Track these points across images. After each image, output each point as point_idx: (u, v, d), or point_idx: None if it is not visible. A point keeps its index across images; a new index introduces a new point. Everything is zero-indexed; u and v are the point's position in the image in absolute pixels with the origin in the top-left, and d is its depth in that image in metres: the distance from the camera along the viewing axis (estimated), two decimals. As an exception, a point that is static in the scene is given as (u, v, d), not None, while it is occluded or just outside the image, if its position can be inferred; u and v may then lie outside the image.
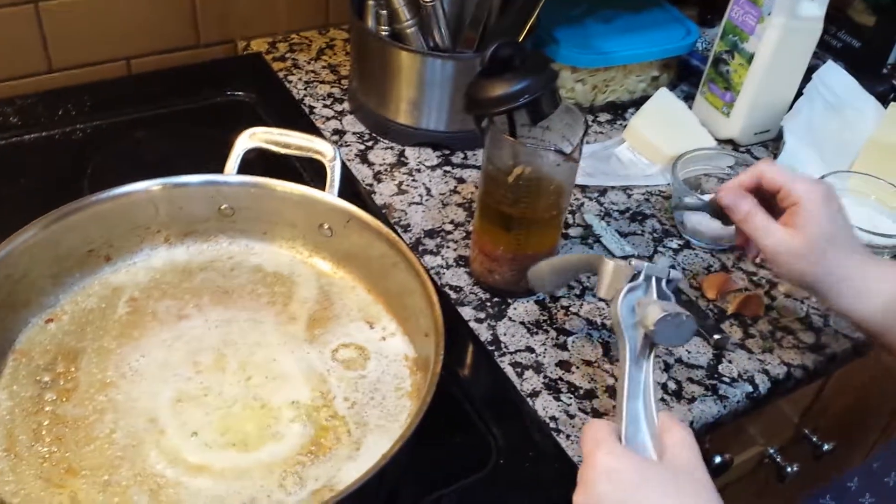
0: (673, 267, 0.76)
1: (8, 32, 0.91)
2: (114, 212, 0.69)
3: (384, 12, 0.87)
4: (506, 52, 0.67)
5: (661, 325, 0.56)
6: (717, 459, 0.80)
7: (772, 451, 0.96)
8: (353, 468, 0.61)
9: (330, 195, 0.73)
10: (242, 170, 0.74)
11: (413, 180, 0.89)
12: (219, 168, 0.74)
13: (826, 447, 0.99)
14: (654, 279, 0.61)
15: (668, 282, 0.61)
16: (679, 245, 0.85)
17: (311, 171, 0.83)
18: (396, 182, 0.89)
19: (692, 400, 0.70)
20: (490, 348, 0.73)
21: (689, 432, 0.54)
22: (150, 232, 0.73)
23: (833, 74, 0.98)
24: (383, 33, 0.88)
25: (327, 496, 0.57)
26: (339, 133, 0.94)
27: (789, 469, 0.95)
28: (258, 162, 0.75)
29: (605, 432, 0.53)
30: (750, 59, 0.92)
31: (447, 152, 0.93)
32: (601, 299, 0.75)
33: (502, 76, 0.67)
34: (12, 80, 0.94)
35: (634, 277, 0.61)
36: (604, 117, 1.02)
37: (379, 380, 0.67)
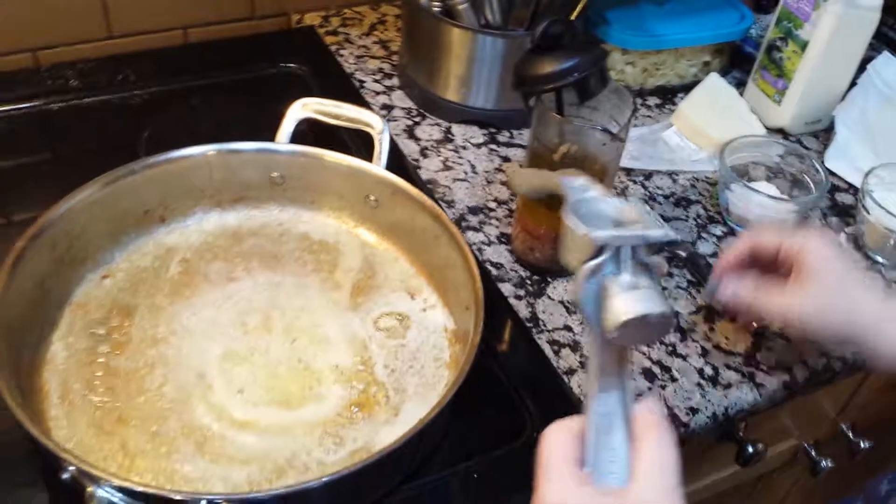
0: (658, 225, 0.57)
1: (71, -1, 0.93)
2: (170, 174, 0.72)
3: (437, -12, 0.87)
4: (556, 30, 0.67)
5: (624, 330, 0.44)
6: (750, 449, 0.80)
7: (807, 445, 0.96)
8: (391, 432, 0.62)
9: (377, 167, 0.74)
10: (294, 140, 0.76)
11: (459, 157, 0.90)
12: (271, 137, 0.76)
13: (863, 445, 0.98)
14: (625, 249, 0.46)
15: (648, 246, 0.47)
16: (723, 232, 0.85)
17: (358, 144, 0.85)
18: (442, 158, 0.90)
19: (728, 386, 0.70)
20: (528, 325, 0.74)
21: (667, 442, 0.45)
22: (204, 196, 0.75)
23: (889, 66, 0.96)
24: (435, 10, 0.89)
25: (365, 457, 0.59)
26: (388, 108, 0.95)
27: (823, 464, 0.94)
28: (309, 133, 0.77)
29: (561, 455, 0.45)
30: (804, 46, 0.91)
31: (493, 131, 0.94)
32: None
33: (552, 54, 0.68)
34: (73, 44, 0.96)
35: (599, 251, 0.46)
36: (653, 101, 1.02)
37: (418, 349, 0.69)
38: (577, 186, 0.50)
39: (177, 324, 0.68)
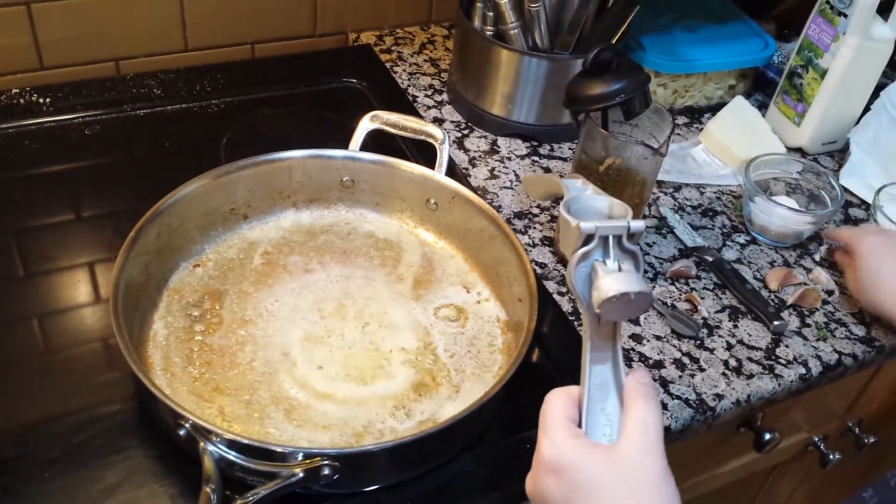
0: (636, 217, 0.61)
1: (154, 13, 1.02)
2: (257, 176, 0.80)
3: (491, 14, 0.96)
4: (606, 56, 0.76)
5: (608, 306, 0.51)
6: (767, 436, 0.88)
7: (816, 439, 1.04)
8: (453, 407, 0.71)
9: (440, 174, 0.83)
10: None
11: (504, 167, 0.99)
12: (334, 145, 0.84)
13: (868, 440, 1.06)
14: (611, 238, 0.52)
15: (631, 236, 0.53)
16: (746, 241, 0.93)
17: (414, 153, 0.94)
18: (489, 168, 0.98)
19: (750, 376, 0.79)
20: (570, 318, 0.82)
21: (652, 407, 0.51)
22: (282, 196, 0.84)
23: (901, 93, 1.04)
24: (488, 33, 0.98)
25: (432, 426, 0.68)
26: (439, 121, 1.04)
27: (832, 456, 1.02)
28: (370, 142, 0.86)
29: (559, 413, 0.51)
30: (823, 74, 0.99)
31: (535, 144, 1.03)
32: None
33: (601, 77, 0.76)
34: (152, 55, 1.05)
35: (588, 239, 0.52)
36: (681, 120, 1.10)
37: (475, 336, 0.77)
38: (576, 186, 0.57)
39: (262, 308, 0.76)
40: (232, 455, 0.60)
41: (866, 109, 1.04)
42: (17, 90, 0.97)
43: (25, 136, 0.93)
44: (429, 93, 1.08)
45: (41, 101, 0.96)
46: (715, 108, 1.08)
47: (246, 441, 0.60)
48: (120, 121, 0.96)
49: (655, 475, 0.49)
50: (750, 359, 0.80)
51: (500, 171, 0.98)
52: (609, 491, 0.49)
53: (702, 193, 0.99)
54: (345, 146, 0.84)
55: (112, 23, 1.01)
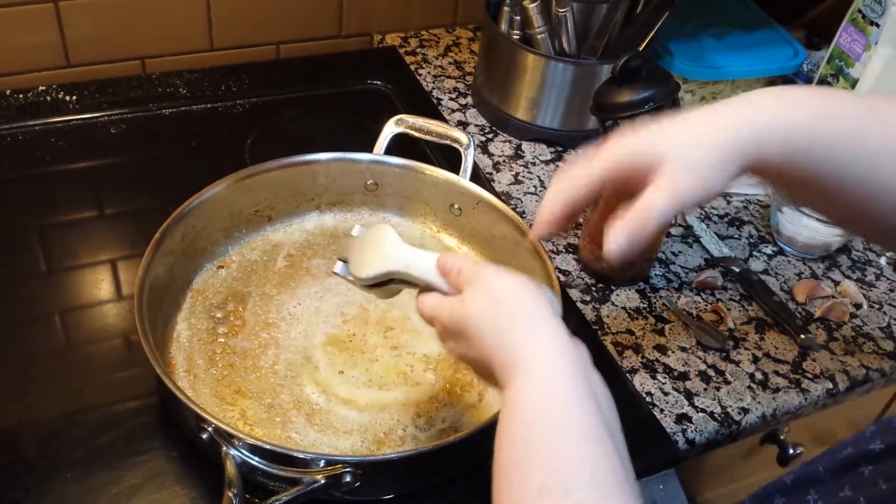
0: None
1: (181, 12, 1.03)
2: (281, 178, 0.80)
3: (518, 18, 0.96)
4: (635, 64, 0.75)
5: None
6: (791, 450, 0.87)
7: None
8: (476, 415, 0.70)
9: (465, 179, 0.82)
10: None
11: (528, 172, 0.98)
12: (359, 147, 0.84)
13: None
14: None
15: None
16: (773, 251, 0.92)
17: (438, 157, 0.93)
18: (513, 173, 0.98)
19: (776, 390, 0.77)
20: (594, 327, 0.81)
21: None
22: (306, 199, 0.83)
23: (933, 103, 1.03)
24: (514, 37, 0.97)
25: (452, 435, 0.67)
26: (463, 124, 1.04)
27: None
28: (394, 145, 0.85)
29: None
30: (854, 83, 0.98)
31: (560, 149, 1.02)
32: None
33: (630, 85, 0.75)
34: (180, 54, 1.06)
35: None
36: (708, 128, 1.09)
37: (497, 344, 0.76)
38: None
39: (285, 311, 0.76)
40: (254, 460, 0.60)
41: (897, 120, 1.02)
42: (44, 88, 0.97)
43: (51, 133, 0.93)
44: (453, 96, 1.08)
45: (67, 98, 0.97)
46: (742, 116, 1.06)
47: (268, 447, 0.59)
48: (145, 120, 0.97)
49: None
50: (776, 372, 0.79)
51: (524, 177, 0.97)
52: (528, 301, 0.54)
53: (729, 203, 0.98)
54: (368, 148, 0.84)
55: (139, 21, 1.01)
